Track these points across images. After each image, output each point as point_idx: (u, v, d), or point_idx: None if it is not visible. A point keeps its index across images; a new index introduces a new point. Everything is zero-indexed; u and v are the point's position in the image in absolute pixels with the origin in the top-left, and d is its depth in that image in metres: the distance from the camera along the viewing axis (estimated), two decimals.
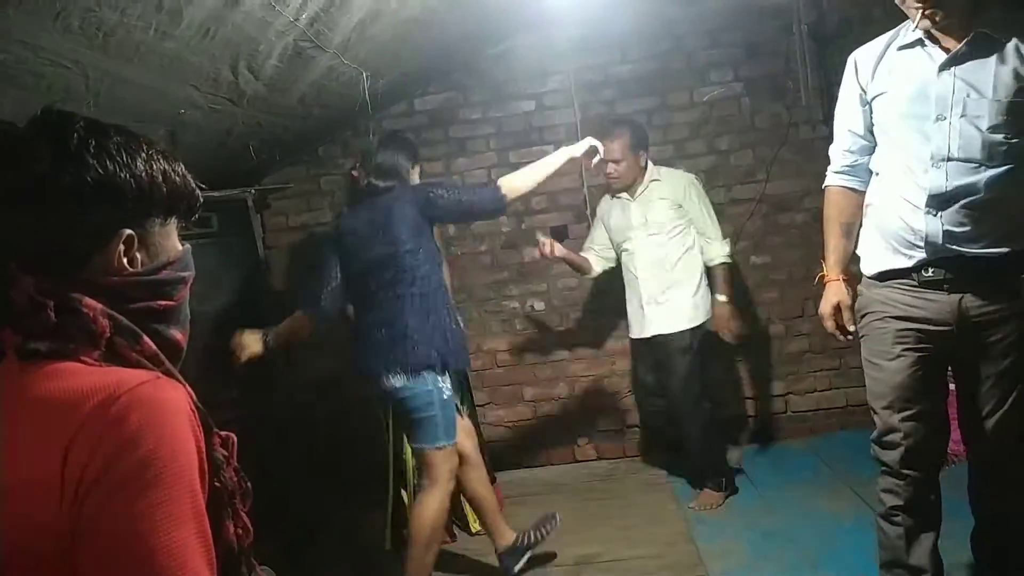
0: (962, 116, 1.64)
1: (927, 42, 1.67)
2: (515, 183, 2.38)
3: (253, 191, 3.67)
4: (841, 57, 3.49)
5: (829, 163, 1.98)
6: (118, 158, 0.75)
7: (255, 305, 3.68)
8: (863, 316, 1.89)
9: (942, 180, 1.66)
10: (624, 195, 3.11)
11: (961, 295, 1.71)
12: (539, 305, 3.82)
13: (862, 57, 1.82)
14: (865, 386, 1.92)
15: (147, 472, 0.66)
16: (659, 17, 3.63)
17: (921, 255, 1.73)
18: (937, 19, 1.60)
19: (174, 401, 0.71)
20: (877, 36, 1.80)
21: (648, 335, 3.09)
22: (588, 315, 3.81)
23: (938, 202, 1.68)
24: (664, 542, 2.78)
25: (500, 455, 3.65)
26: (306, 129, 3.37)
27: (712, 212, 3.09)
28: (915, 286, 1.76)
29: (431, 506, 2.35)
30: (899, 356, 1.80)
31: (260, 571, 0.80)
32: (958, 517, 2.56)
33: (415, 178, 2.53)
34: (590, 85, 3.72)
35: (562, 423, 3.84)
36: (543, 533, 2.62)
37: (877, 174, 1.85)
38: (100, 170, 0.73)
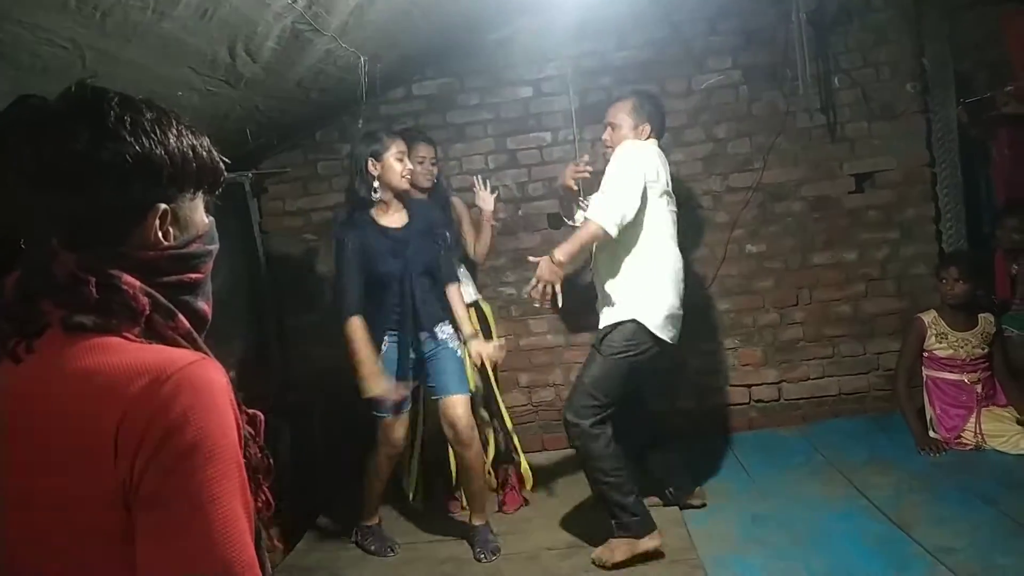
0: None
1: None
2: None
3: (250, 175, 3.67)
4: (840, 45, 3.41)
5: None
6: (152, 134, 0.75)
7: (251, 289, 3.69)
8: None
9: None
10: None
11: None
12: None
13: None
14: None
15: (201, 449, 0.68)
16: (657, 4, 3.62)
17: None
18: None
19: (218, 381, 0.73)
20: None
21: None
22: (583, 301, 3.81)
23: None
24: None
25: None
26: (304, 113, 3.35)
27: (625, 189, 2.52)
28: None
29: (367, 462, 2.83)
30: None
31: (274, 542, 0.84)
32: (954, 503, 2.61)
33: (390, 163, 2.63)
34: (587, 72, 3.71)
35: (557, 409, 3.86)
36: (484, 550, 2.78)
37: None
38: (137, 147, 0.74)
